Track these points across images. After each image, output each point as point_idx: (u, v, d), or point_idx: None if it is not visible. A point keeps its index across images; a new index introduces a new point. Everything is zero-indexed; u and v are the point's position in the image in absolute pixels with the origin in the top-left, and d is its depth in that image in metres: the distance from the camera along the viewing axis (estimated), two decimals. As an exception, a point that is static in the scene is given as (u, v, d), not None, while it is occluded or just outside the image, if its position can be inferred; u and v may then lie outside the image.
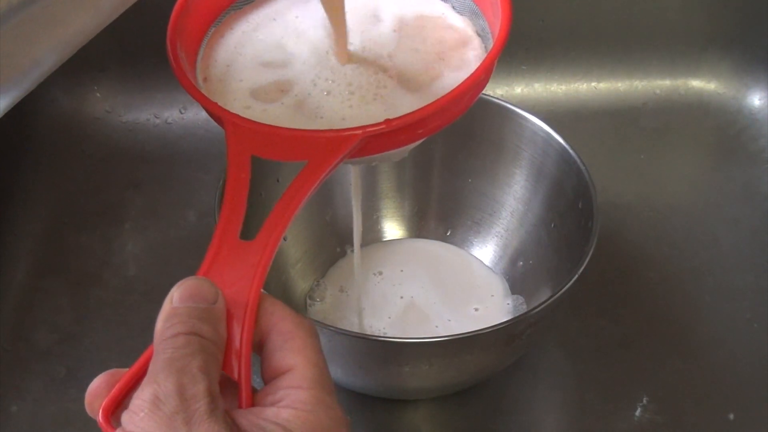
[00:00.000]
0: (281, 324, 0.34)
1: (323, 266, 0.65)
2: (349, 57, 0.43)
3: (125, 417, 0.30)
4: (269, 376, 0.33)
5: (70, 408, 0.59)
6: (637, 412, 0.59)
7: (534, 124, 0.59)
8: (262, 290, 0.34)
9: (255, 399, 0.33)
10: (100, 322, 0.64)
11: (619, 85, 0.81)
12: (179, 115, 0.79)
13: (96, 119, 0.79)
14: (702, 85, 0.81)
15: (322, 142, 0.36)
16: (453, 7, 0.46)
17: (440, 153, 0.65)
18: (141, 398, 0.30)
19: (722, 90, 0.81)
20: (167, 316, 0.33)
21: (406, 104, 0.41)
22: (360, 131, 0.36)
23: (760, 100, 0.80)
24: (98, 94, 0.80)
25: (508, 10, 0.40)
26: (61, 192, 0.74)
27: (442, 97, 0.37)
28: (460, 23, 0.45)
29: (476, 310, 0.62)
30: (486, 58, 0.39)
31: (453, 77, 0.42)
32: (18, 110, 0.76)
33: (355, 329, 0.60)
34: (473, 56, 0.43)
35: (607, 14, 0.79)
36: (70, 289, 0.67)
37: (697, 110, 0.80)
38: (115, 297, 0.66)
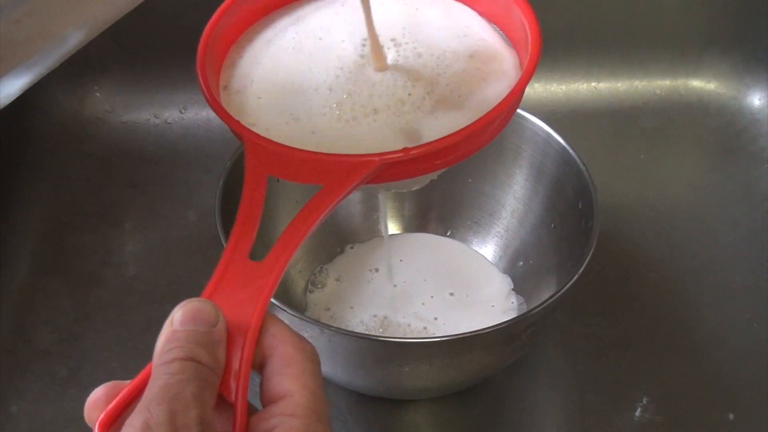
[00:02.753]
0: (282, 347, 0.33)
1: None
2: (383, 66, 0.42)
3: None
4: (267, 401, 0.33)
5: (70, 408, 0.59)
6: (637, 412, 0.59)
7: (534, 124, 0.59)
8: (267, 311, 0.34)
9: (250, 423, 0.32)
10: (101, 322, 0.64)
11: (619, 85, 0.81)
12: (179, 115, 0.79)
13: (96, 119, 0.79)
14: (702, 85, 0.81)
15: (338, 167, 0.36)
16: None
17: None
18: (132, 425, 0.30)
19: (722, 90, 0.81)
20: (166, 340, 0.32)
21: (435, 125, 0.40)
22: (377, 158, 0.36)
23: (760, 100, 0.80)
24: (98, 94, 0.80)
25: (537, 38, 0.39)
26: (61, 192, 0.74)
27: (464, 128, 0.37)
28: (501, 47, 0.43)
29: (479, 306, 0.62)
30: (513, 88, 0.38)
31: (489, 96, 0.41)
32: (18, 110, 0.76)
33: (377, 319, 0.60)
34: (506, 84, 0.42)
35: (607, 14, 0.79)
36: (70, 289, 0.67)
37: (697, 110, 0.80)
38: (116, 297, 0.66)
